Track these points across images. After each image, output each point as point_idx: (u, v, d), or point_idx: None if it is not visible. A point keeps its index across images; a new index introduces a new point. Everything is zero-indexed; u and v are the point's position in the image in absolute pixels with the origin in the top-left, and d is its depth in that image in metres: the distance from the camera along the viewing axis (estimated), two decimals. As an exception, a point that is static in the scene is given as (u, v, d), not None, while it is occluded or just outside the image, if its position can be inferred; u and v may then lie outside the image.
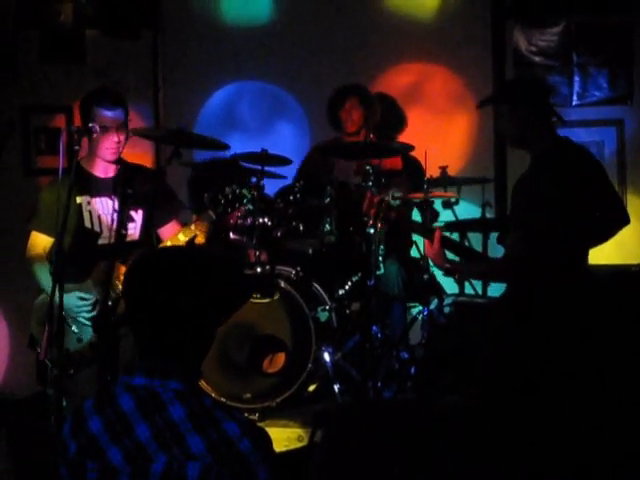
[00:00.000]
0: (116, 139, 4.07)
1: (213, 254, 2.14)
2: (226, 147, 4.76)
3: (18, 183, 5.91)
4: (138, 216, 4.18)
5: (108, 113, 4.06)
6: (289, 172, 5.18)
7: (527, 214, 3.62)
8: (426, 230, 3.88)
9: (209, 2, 6.10)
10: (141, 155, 5.75)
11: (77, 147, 3.78)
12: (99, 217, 4.11)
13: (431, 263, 5.12)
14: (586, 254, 3.74)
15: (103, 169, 4.16)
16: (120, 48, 5.98)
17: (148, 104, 6.04)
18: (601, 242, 3.82)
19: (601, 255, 3.96)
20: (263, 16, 6.08)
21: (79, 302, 3.91)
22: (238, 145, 5.13)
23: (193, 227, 4.12)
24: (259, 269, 4.54)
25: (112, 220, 4.07)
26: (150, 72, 6.04)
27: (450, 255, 3.77)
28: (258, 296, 4.53)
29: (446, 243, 3.77)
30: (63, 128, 5.59)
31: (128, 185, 3.78)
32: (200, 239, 4.09)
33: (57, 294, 3.43)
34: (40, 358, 3.70)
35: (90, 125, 3.93)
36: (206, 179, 5.68)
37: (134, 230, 4.15)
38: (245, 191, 4.35)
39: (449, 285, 5.50)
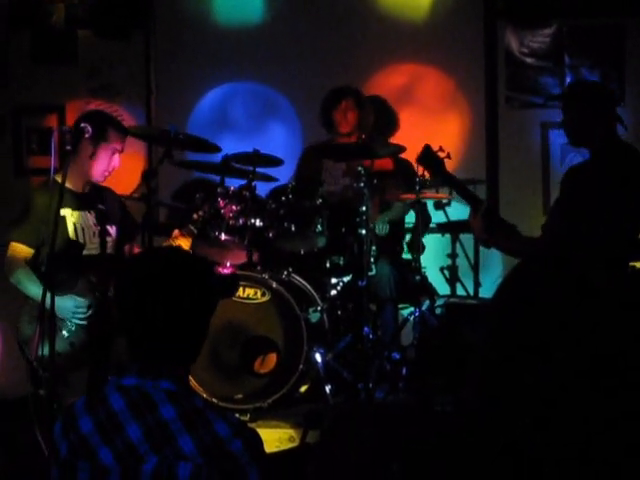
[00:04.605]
0: (117, 164, 4.14)
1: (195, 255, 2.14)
2: (217, 150, 4.77)
3: (10, 183, 5.91)
4: (113, 231, 4.19)
5: (122, 137, 4.15)
6: (281, 173, 5.18)
7: (578, 203, 3.63)
8: (474, 199, 3.88)
9: (201, 3, 6.10)
10: (133, 155, 5.75)
11: (68, 147, 3.78)
12: (83, 230, 4.08)
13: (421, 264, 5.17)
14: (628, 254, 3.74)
15: (81, 186, 4.13)
16: (112, 49, 5.99)
17: (140, 104, 6.04)
18: None
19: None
20: (255, 17, 6.08)
21: (75, 305, 3.90)
22: (230, 146, 5.13)
23: (175, 243, 4.13)
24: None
25: (94, 233, 4.10)
26: (142, 73, 6.04)
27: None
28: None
29: (491, 217, 3.80)
30: (55, 128, 5.57)
31: (101, 202, 4.07)
32: None
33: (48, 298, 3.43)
34: (31, 358, 3.70)
35: (82, 125, 3.92)
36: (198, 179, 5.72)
37: (111, 244, 4.17)
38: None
39: (441, 286, 5.51)
